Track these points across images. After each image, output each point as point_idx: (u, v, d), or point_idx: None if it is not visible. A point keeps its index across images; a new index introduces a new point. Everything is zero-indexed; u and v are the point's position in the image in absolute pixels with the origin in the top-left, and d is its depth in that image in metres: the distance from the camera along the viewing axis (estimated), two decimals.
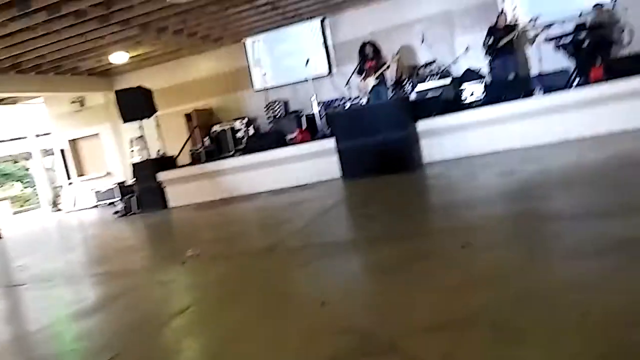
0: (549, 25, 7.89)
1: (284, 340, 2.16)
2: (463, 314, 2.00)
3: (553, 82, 6.75)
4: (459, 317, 1.98)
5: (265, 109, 10.28)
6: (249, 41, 10.62)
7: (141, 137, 9.44)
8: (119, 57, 10.06)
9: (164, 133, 10.27)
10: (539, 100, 6.42)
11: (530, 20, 7.85)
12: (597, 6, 7.64)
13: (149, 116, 8.96)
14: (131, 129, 10.20)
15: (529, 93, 6.61)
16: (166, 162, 8.98)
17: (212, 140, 10.02)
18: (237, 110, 10.78)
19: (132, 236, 6.74)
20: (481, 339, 1.78)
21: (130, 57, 10.27)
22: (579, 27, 7.67)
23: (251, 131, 9.95)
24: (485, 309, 2.01)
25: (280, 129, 9.05)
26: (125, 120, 8.89)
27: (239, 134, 9.85)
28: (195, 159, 9.40)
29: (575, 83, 6.58)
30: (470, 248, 2.80)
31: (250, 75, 10.71)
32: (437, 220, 3.98)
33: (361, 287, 2.73)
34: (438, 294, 2.29)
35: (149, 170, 8.63)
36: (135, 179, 8.94)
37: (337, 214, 5.06)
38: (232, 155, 8.81)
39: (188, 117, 11.03)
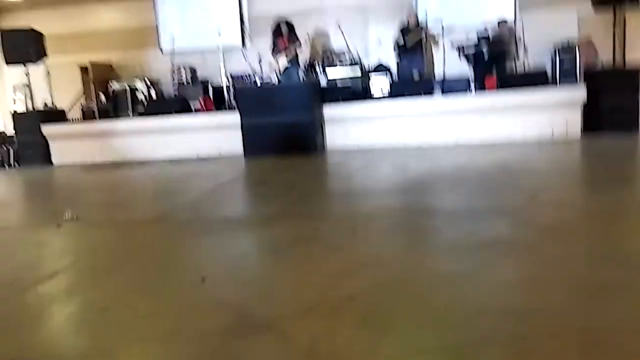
0: (452, 31, 8.32)
1: (158, 314, 2.09)
2: (338, 298, 2.06)
3: (453, 87, 7.14)
4: (334, 301, 2.04)
5: (171, 73, 9.77)
6: None
7: (27, 84, 8.57)
8: None
9: (55, 84, 9.40)
10: (437, 102, 6.79)
11: (435, 23, 8.24)
12: (502, 22, 8.20)
13: (35, 61, 8.15)
14: (17, 74, 9.23)
15: (429, 93, 6.96)
16: (54, 115, 8.28)
17: (109, 97, 9.36)
18: (139, 69, 10.15)
19: (4, 191, 6.15)
20: (350, 325, 1.85)
21: None
22: (482, 39, 8.17)
23: (153, 94, 9.43)
24: (359, 295, 2.10)
25: (185, 96, 8.67)
26: (8, 62, 8.02)
27: (140, 95, 9.29)
28: (88, 116, 8.75)
29: (472, 90, 7.03)
30: (356, 235, 2.90)
31: (157, 34, 10.13)
32: (330, 205, 4.07)
33: (245, 266, 2.72)
34: (318, 277, 2.35)
35: (32, 122, 7.93)
36: (15, 130, 8.13)
37: (233, 190, 4.99)
38: (130, 117, 8.31)
39: (84, 69, 10.20)
